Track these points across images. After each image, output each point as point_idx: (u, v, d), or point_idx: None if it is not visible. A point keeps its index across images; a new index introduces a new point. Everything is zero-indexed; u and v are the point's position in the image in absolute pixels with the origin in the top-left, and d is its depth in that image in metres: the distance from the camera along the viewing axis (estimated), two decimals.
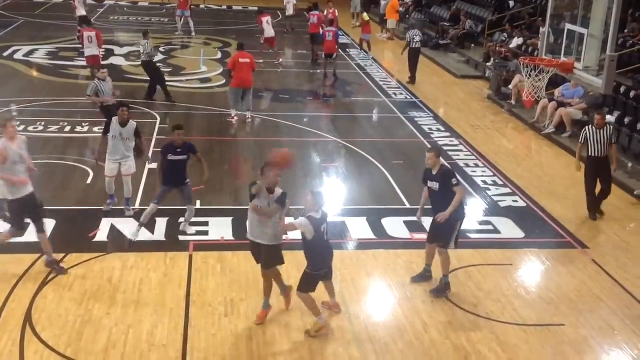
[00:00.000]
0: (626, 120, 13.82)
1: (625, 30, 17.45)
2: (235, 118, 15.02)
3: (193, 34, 24.54)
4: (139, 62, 17.11)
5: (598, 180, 10.73)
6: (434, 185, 8.23)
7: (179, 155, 9.36)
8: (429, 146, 12.34)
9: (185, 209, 9.67)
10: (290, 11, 26.25)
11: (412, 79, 19.39)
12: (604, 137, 10.47)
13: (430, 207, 8.41)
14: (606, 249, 9.95)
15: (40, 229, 8.37)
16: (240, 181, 11.67)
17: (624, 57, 15.90)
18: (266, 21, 20.76)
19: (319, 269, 7.50)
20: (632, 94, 14.74)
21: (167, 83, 16.48)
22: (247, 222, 7.68)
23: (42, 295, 7.86)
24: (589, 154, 10.63)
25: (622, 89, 15.09)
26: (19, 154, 8.13)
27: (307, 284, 7.48)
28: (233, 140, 14.16)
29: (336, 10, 22.17)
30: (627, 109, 14.25)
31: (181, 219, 9.72)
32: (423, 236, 9.05)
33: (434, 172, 8.26)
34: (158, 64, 17.88)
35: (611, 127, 10.87)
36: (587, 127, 10.79)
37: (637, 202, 11.64)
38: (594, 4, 9.43)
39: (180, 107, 15.91)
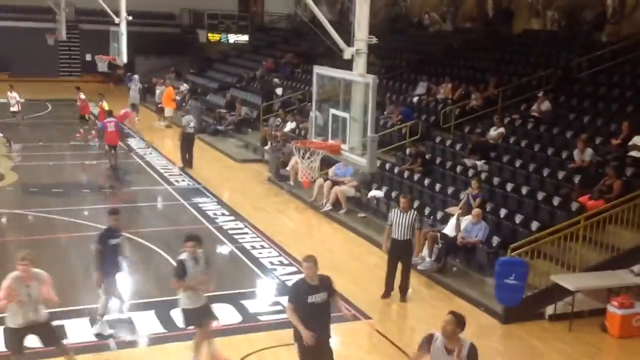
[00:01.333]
0: (393, 194, 15.03)
1: (385, 112, 19.21)
2: None
3: None
4: None
5: (400, 263, 11.12)
6: (317, 298, 7.36)
7: (117, 240, 9.54)
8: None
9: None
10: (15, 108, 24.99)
11: (188, 164, 19.46)
12: (407, 220, 10.92)
13: None
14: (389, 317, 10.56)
15: None
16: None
17: (386, 136, 17.48)
18: None
19: None
20: (396, 170, 16.14)
21: None
22: None
23: None
24: (393, 236, 11.06)
25: (387, 165, 16.48)
26: None
27: None
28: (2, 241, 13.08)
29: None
30: (393, 184, 15.55)
31: None
32: (215, 324, 8.93)
33: (313, 283, 7.42)
34: None
35: (415, 212, 11.29)
36: (393, 209, 11.30)
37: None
38: (353, 90, 10.25)
39: None
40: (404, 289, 11.21)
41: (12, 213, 14.59)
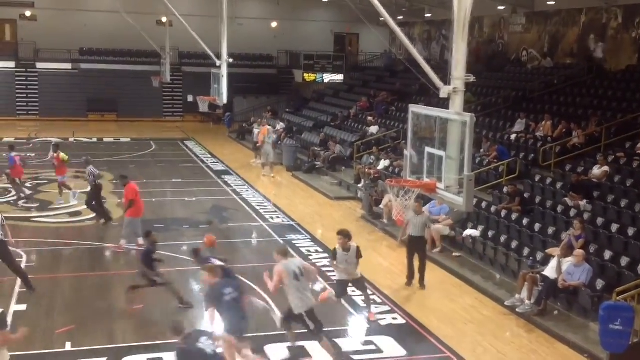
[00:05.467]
0: (490, 234, 14.65)
1: (482, 150, 18.88)
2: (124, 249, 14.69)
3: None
4: None
5: (416, 256, 13.21)
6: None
7: None
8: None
9: None
10: None
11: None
12: (420, 221, 13.33)
13: None
14: None
15: None
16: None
17: (482, 174, 17.13)
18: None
19: None
20: (493, 209, 15.76)
21: (33, 218, 15.90)
22: None
23: None
24: (409, 233, 13.51)
25: (483, 204, 16.11)
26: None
27: None
28: (102, 275, 13.60)
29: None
30: (490, 223, 15.16)
31: None
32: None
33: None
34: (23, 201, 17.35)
35: (427, 214, 14.29)
36: (409, 212, 12.71)
37: (509, 312, 12.14)
38: (449, 128, 10.15)
39: (48, 244, 15.22)
40: (421, 277, 13.31)
41: (112, 247, 15.16)
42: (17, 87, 38.51)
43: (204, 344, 7.47)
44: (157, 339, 10.31)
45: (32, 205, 18.74)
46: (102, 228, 16.78)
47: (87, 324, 10.77)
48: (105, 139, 32.60)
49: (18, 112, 38.47)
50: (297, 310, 9.48)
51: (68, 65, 38.57)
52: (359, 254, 11.29)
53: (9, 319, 10.58)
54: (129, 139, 32.80)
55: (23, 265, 13.35)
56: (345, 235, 11.21)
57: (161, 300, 11.76)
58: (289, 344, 10.13)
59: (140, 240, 14.42)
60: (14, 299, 11.66)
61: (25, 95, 38.68)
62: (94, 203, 17.22)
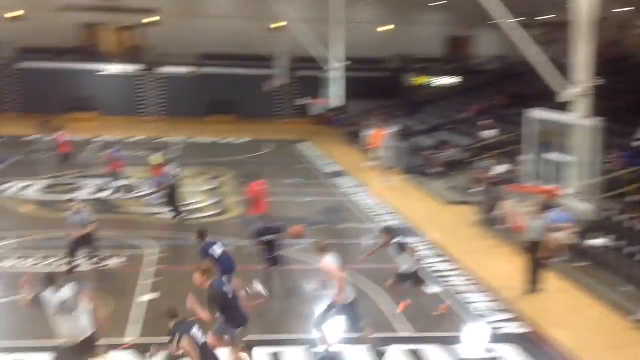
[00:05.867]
0: (616, 243, 14.00)
1: (607, 156, 18.03)
2: None
3: None
4: None
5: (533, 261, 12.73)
6: None
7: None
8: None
9: None
10: None
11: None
12: (538, 226, 12.72)
13: None
14: None
15: None
16: None
17: (608, 181, 16.37)
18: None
19: None
20: (619, 217, 15.02)
21: (157, 214, 16.63)
22: None
23: None
24: (528, 239, 12.83)
25: (609, 212, 15.39)
26: None
27: None
28: None
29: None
30: (616, 232, 14.47)
31: None
32: None
33: None
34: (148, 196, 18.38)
35: (547, 220, 13.20)
36: (529, 215, 12.69)
37: (638, 326, 11.56)
38: (573, 133, 9.82)
39: (172, 238, 15.93)
40: (536, 282, 12.80)
41: (231, 244, 15.64)
42: (138, 89, 40.62)
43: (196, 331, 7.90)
44: (277, 332, 10.57)
45: (157, 201, 19.65)
46: (225, 225, 17.39)
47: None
48: (224, 140, 33.74)
49: (141, 112, 40.54)
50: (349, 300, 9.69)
51: (189, 69, 40.30)
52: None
53: (144, 308, 11.22)
54: (246, 140, 33.79)
55: (155, 257, 14.05)
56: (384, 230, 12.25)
57: (281, 297, 12.02)
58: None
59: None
60: (148, 288, 12.28)
61: (145, 97, 40.75)
62: (169, 200, 17.92)
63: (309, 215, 18.99)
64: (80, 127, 35.72)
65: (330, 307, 9.71)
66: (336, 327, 10.15)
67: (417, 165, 25.21)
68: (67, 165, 23.48)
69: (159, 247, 14.98)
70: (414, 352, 10.13)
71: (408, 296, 11.73)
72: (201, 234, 11.64)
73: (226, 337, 8.84)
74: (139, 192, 20.81)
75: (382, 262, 14.87)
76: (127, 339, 10.09)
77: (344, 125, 36.71)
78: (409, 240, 16.26)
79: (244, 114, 40.67)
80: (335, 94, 26.04)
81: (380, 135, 27.12)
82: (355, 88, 37.95)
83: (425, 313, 11.66)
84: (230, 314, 8.77)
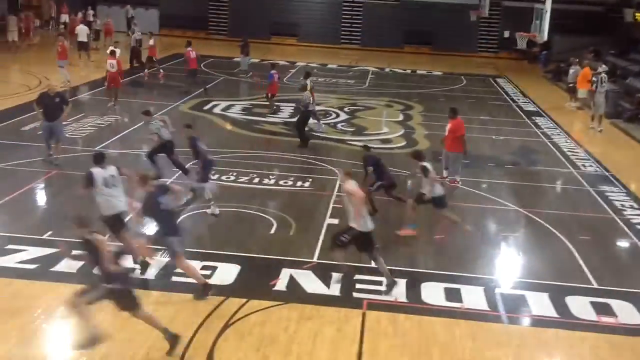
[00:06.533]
0: None
1: None
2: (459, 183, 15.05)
3: None
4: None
5: None
6: None
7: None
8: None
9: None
10: None
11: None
12: None
13: None
14: None
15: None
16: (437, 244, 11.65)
17: None
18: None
19: None
20: None
21: (348, 141, 16.99)
22: None
23: (224, 338, 8.23)
24: None
25: None
26: None
27: None
28: None
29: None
30: None
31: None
32: (611, 320, 8.43)
33: None
34: (342, 124, 18.68)
35: None
36: None
37: None
38: None
39: (361, 166, 16.21)
40: None
41: (419, 177, 15.59)
42: (342, 17, 41.06)
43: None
44: (455, 270, 10.52)
45: (349, 129, 20.06)
46: (407, 157, 17.34)
47: (393, 244, 11.34)
48: (418, 71, 33.39)
49: (342, 41, 41.12)
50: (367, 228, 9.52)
51: None
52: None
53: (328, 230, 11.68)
54: (440, 73, 33.16)
55: (339, 183, 14.44)
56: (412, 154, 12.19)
57: (461, 235, 11.90)
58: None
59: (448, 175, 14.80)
60: (328, 213, 12.70)
61: (349, 25, 41.13)
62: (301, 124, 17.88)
63: (502, 154, 18.39)
64: (279, 51, 37.20)
65: (349, 230, 9.58)
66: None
67: (627, 110, 23.21)
68: (193, 82, 23.78)
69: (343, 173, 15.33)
70: (600, 304, 9.59)
71: (420, 225, 11.95)
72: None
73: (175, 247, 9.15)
74: (333, 118, 21.32)
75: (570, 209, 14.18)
76: (312, 260, 10.54)
77: (549, 62, 34.63)
78: (608, 188, 15.32)
79: (442, 45, 39.75)
80: (545, 28, 24.27)
81: (588, 75, 25.20)
82: (565, 22, 35.34)
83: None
84: (161, 224, 9.13)
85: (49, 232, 10.89)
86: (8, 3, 36.55)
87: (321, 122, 19.65)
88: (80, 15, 34.73)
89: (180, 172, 13.94)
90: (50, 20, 39.31)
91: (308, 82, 19.04)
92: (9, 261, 9.90)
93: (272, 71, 21.56)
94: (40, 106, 14.82)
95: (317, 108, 20.10)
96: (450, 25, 39.06)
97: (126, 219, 9.98)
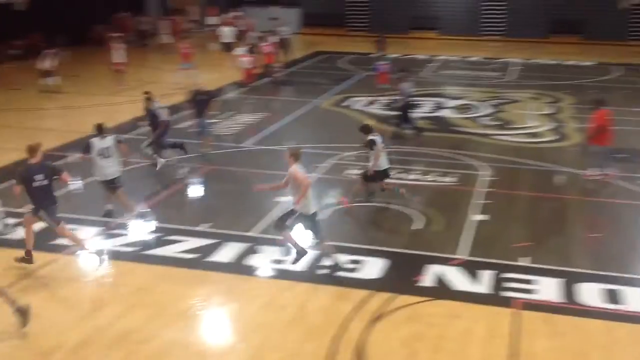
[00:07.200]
0: None
1: None
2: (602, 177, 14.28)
3: None
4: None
5: None
6: None
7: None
8: None
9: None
10: None
11: None
12: None
13: None
14: None
15: None
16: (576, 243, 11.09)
17: None
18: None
19: None
20: None
21: (493, 135, 16.49)
22: None
23: (373, 332, 8.21)
24: None
25: None
26: None
27: None
28: (559, 198, 13.46)
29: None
30: None
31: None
32: None
33: None
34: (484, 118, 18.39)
35: None
36: None
37: None
38: None
39: (506, 162, 15.70)
40: None
41: (569, 172, 14.89)
42: (482, 7, 39.94)
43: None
44: (614, 270, 9.91)
45: (493, 123, 19.46)
46: (557, 152, 16.59)
47: (543, 243, 10.90)
48: (566, 62, 31.84)
49: (481, 32, 40.00)
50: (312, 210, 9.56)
51: None
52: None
53: (474, 229, 11.41)
54: (591, 63, 31.43)
55: (488, 179, 14.07)
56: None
57: (621, 233, 11.20)
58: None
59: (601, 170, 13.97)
60: (479, 210, 12.40)
61: (491, 15, 39.92)
62: (403, 116, 17.77)
63: None
64: (420, 45, 36.82)
65: (291, 212, 9.54)
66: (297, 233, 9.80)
67: None
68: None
69: (492, 169, 14.88)
70: None
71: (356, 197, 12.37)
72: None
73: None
74: (475, 112, 20.79)
75: None
76: (458, 257, 10.33)
77: None
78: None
79: (592, 34, 37.64)
80: None
81: None
82: None
83: None
84: (32, 198, 9.62)
85: (209, 224, 11.45)
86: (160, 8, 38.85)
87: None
88: (227, 16, 36.14)
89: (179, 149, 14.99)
90: (197, 23, 41.25)
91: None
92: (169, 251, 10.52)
93: (380, 63, 23.62)
94: (191, 104, 15.83)
95: (459, 102, 19.51)
96: (602, 12, 36.95)
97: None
